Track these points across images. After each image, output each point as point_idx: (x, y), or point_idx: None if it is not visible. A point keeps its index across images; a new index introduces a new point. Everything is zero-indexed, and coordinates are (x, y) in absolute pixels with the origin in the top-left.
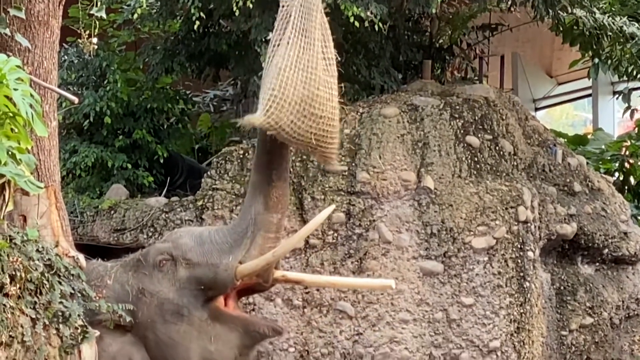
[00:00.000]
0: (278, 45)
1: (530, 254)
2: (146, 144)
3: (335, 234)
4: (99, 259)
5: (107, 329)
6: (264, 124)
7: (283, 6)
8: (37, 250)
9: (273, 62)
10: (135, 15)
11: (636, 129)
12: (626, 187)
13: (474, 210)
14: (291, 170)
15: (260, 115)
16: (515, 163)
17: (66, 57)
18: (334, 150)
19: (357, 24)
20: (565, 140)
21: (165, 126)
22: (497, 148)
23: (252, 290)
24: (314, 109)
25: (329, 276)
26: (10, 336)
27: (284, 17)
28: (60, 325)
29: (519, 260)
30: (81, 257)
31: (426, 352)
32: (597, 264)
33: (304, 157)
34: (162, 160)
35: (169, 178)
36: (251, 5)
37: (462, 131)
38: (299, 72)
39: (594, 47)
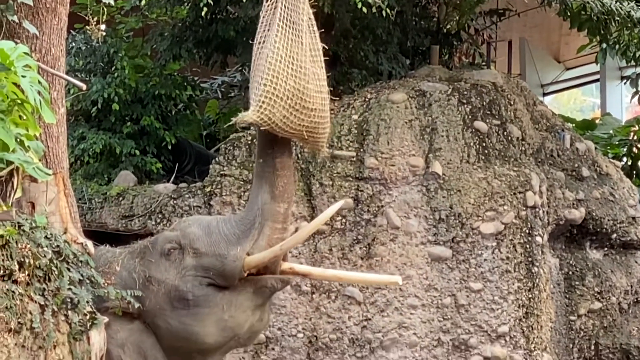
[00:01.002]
0: (263, 42)
1: (538, 239)
2: (154, 131)
3: (344, 220)
4: (108, 246)
5: (114, 316)
6: (257, 120)
7: (267, 0)
8: (46, 237)
9: (262, 56)
10: (143, 2)
11: None
12: (634, 172)
13: (482, 196)
14: (299, 156)
15: (254, 111)
16: (523, 148)
17: (74, 44)
18: (324, 139)
19: (364, 10)
20: (573, 125)
21: (173, 113)
22: (505, 133)
23: None
24: (304, 102)
25: (337, 270)
26: (19, 323)
27: (269, 11)
28: (69, 312)
29: (527, 246)
30: (90, 244)
31: (435, 338)
32: (606, 248)
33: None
34: (170, 147)
35: (177, 164)
36: None
37: (470, 116)
38: (288, 65)
39: (602, 32)
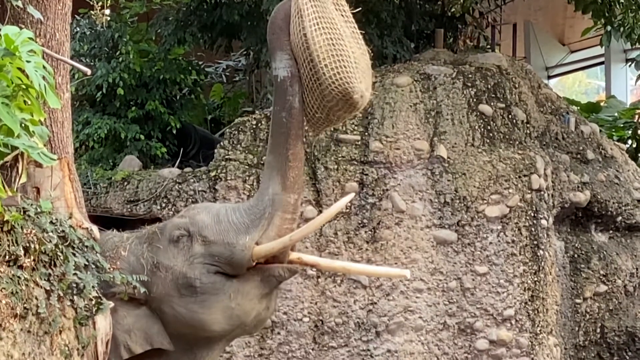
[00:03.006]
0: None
1: (543, 222)
2: (159, 115)
3: (349, 204)
4: (114, 230)
5: (121, 302)
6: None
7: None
8: (51, 222)
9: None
10: None
11: None
12: (639, 154)
13: (487, 179)
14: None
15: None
16: (528, 131)
17: (78, 29)
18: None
19: None
20: (578, 107)
21: (177, 97)
22: (510, 116)
23: None
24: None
25: (345, 262)
26: (24, 308)
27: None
28: (75, 297)
29: (533, 229)
30: (95, 229)
31: (440, 321)
32: (611, 231)
33: None
34: (175, 131)
35: (182, 149)
36: None
37: (474, 100)
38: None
39: (607, 14)
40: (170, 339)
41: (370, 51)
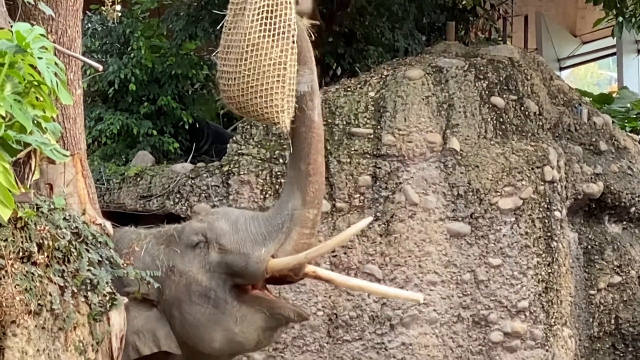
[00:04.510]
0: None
1: (557, 213)
2: (171, 111)
3: (362, 197)
4: (132, 226)
5: (132, 303)
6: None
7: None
8: (64, 219)
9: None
10: None
11: None
12: None
13: (500, 171)
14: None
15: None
16: (540, 123)
17: (90, 25)
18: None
19: None
20: (591, 99)
21: (190, 92)
22: (522, 108)
23: (281, 281)
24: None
25: (361, 280)
26: (39, 304)
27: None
28: (89, 293)
29: (546, 220)
30: (108, 225)
31: (454, 314)
32: (624, 222)
33: (329, 120)
34: (187, 126)
35: (194, 144)
36: None
37: (487, 92)
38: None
39: (618, 5)
40: (178, 343)
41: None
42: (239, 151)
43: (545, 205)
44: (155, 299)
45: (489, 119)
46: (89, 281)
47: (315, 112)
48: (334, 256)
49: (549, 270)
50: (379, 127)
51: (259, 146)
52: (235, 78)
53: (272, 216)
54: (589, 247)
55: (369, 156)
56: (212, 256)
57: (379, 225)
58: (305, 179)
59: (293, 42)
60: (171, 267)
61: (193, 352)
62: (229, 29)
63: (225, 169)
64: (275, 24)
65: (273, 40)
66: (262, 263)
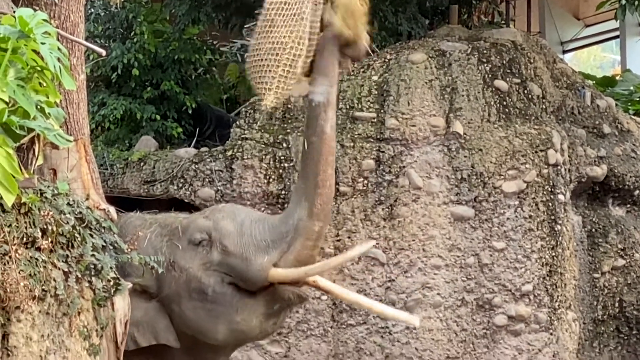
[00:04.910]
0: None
1: (560, 197)
2: (174, 95)
3: (365, 181)
4: (138, 211)
5: (132, 294)
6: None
7: None
8: (68, 204)
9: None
10: None
11: None
12: None
13: (504, 155)
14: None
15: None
16: (544, 106)
17: (93, 10)
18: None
19: None
20: (594, 82)
21: (193, 77)
22: (525, 92)
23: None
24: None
25: (360, 295)
26: (43, 290)
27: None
28: (93, 278)
29: (550, 204)
30: (112, 210)
31: (459, 297)
32: (628, 205)
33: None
34: (190, 111)
35: (197, 129)
36: None
37: (490, 75)
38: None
39: None
40: (177, 335)
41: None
42: (243, 136)
43: (549, 189)
44: (154, 291)
45: (492, 103)
46: (93, 266)
47: (329, 124)
48: (338, 240)
49: (553, 254)
50: (382, 111)
51: (263, 131)
52: (250, 49)
53: (278, 224)
54: (593, 230)
55: (372, 140)
56: (214, 255)
57: (382, 209)
58: (313, 190)
59: (304, 30)
60: (172, 262)
61: (194, 344)
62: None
63: (229, 153)
64: (291, 5)
65: (284, 21)
66: (263, 271)
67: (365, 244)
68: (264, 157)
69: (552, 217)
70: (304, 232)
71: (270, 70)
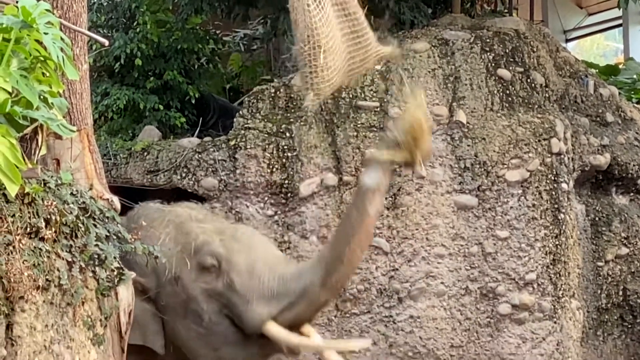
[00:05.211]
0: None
1: (564, 185)
2: (177, 85)
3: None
4: (157, 202)
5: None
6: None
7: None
8: (72, 194)
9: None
10: None
11: None
12: None
13: (507, 143)
14: (322, 107)
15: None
16: (547, 95)
17: (95, 0)
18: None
19: None
20: (597, 70)
21: (196, 66)
22: (528, 80)
23: None
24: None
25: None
26: (47, 280)
27: None
28: (97, 268)
29: (553, 192)
30: (115, 200)
31: (462, 286)
32: (632, 194)
33: (336, 94)
34: (193, 101)
35: (201, 118)
36: None
37: (493, 64)
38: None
39: None
40: (166, 345)
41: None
42: (246, 125)
43: (552, 177)
44: (153, 295)
45: (495, 92)
46: (96, 256)
47: (374, 208)
48: None
49: (557, 242)
50: (385, 100)
51: (266, 120)
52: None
53: (289, 277)
54: (596, 218)
55: (375, 129)
56: (219, 285)
57: (386, 198)
58: (335, 263)
59: (355, 40)
60: (176, 277)
61: (180, 355)
62: None
63: (232, 143)
64: (346, 11)
65: (339, 23)
66: (260, 321)
67: (361, 341)
68: (267, 146)
69: (556, 206)
70: (310, 298)
71: (310, 72)
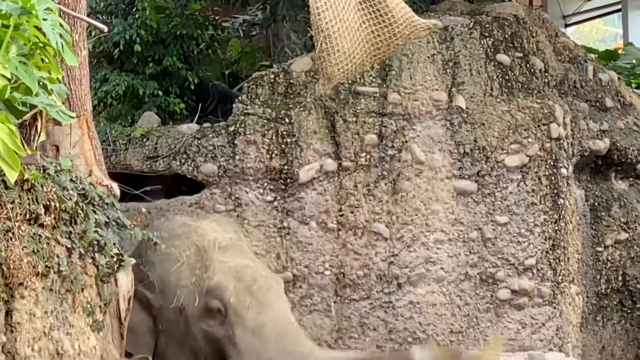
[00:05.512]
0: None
1: (563, 170)
2: (177, 71)
3: (368, 156)
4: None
5: (136, 300)
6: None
7: None
8: (71, 180)
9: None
10: None
11: None
12: None
13: (507, 129)
14: (322, 93)
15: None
16: (546, 80)
17: None
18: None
19: None
20: (596, 55)
21: (195, 52)
22: (527, 65)
23: None
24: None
25: None
26: (46, 266)
27: None
28: (96, 254)
29: (553, 178)
30: (115, 186)
31: (462, 272)
32: (631, 179)
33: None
34: (192, 87)
35: (200, 104)
36: None
37: (492, 50)
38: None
39: None
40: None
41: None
42: (245, 111)
43: (552, 163)
44: (155, 313)
45: (494, 77)
46: (96, 242)
47: None
48: (341, 215)
49: (556, 228)
50: (384, 85)
51: (265, 106)
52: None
53: (294, 349)
54: (596, 204)
55: (375, 115)
56: (220, 332)
57: (385, 184)
58: None
59: (378, 19)
60: (183, 308)
61: None
62: None
63: (232, 129)
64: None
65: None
66: None
67: None
68: (266, 132)
69: (555, 191)
70: None
71: (325, 54)
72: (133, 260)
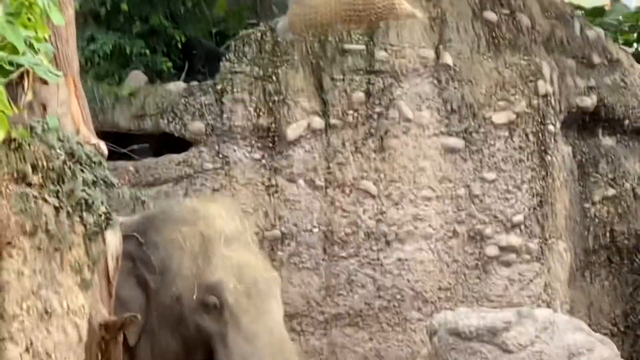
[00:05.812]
0: None
1: (551, 127)
2: (164, 30)
3: (355, 114)
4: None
5: (128, 274)
6: None
7: None
8: (58, 139)
9: None
10: None
11: None
12: None
13: (494, 86)
14: (309, 51)
15: None
16: (533, 37)
17: None
18: None
19: None
20: (583, 12)
21: (182, 11)
22: (514, 22)
23: None
24: None
25: None
26: (34, 225)
27: None
28: (84, 213)
29: (540, 134)
30: (102, 145)
31: (450, 229)
32: (618, 135)
33: (322, 37)
34: (180, 45)
35: (187, 63)
36: None
37: (479, 7)
38: None
39: None
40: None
41: None
42: (232, 69)
43: (539, 119)
44: (152, 295)
45: (481, 34)
46: (83, 201)
47: None
48: (329, 173)
49: (544, 184)
50: (371, 43)
51: (252, 64)
52: None
53: None
54: (583, 160)
55: (362, 72)
56: (212, 327)
57: (373, 141)
58: None
59: None
60: (179, 296)
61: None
62: None
63: (219, 87)
64: None
65: None
66: None
67: None
68: (253, 90)
69: (542, 148)
70: None
71: None
72: (121, 219)
